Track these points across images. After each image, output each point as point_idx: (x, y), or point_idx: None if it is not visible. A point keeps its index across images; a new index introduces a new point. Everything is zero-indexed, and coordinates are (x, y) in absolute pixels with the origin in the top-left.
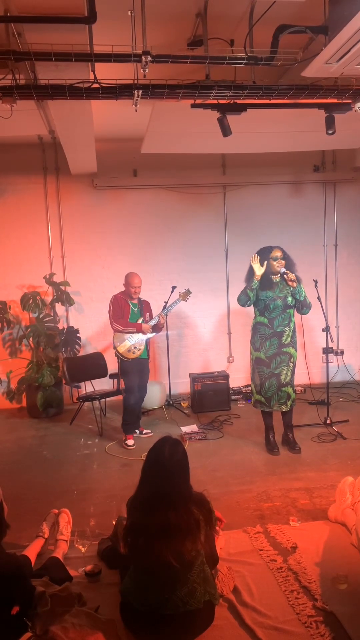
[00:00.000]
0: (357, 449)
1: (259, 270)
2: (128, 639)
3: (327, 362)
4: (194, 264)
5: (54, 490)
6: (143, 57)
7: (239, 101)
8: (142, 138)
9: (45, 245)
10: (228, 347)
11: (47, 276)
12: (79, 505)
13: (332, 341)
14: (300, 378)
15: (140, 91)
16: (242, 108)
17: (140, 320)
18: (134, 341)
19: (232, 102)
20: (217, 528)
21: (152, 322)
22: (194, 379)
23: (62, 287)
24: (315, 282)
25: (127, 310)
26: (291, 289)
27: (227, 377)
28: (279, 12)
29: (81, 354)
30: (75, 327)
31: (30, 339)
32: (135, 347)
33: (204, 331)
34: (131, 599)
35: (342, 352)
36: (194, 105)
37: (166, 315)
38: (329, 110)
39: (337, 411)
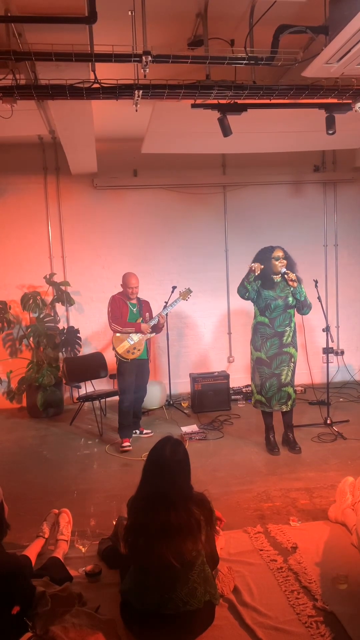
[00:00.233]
0: (357, 449)
1: (257, 270)
2: (128, 639)
3: (328, 362)
4: (194, 264)
5: (54, 490)
6: (143, 57)
7: (239, 101)
8: (142, 138)
9: (46, 245)
10: (228, 347)
11: (48, 276)
12: (79, 505)
13: (332, 341)
14: (302, 378)
15: (141, 91)
16: (242, 108)
17: (139, 320)
18: (133, 342)
19: (232, 102)
20: (218, 528)
21: (152, 322)
22: (194, 379)
23: (63, 287)
24: (316, 282)
25: (125, 310)
26: (292, 289)
27: (227, 377)
28: (279, 12)
29: (81, 354)
30: (76, 327)
31: (31, 339)
32: (134, 348)
33: (204, 331)
34: (131, 599)
35: (342, 352)
36: (194, 106)
37: (166, 315)
38: (329, 110)
39: (337, 411)
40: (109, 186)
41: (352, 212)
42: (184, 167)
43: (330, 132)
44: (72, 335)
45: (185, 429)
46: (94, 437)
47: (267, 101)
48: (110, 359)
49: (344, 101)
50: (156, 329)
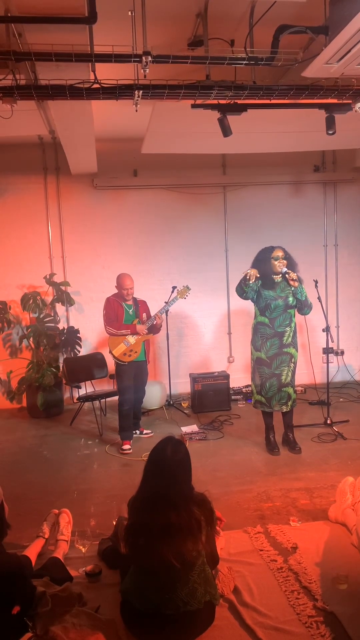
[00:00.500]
0: (358, 449)
1: (251, 273)
2: (128, 639)
3: (328, 362)
4: (194, 264)
5: (55, 490)
6: (143, 58)
7: (239, 101)
8: (142, 138)
9: (46, 245)
10: (228, 347)
11: (48, 276)
12: (79, 505)
13: (333, 341)
14: (302, 378)
15: (141, 91)
16: (242, 108)
17: (136, 322)
18: (129, 344)
19: (232, 102)
20: (218, 528)
21: (149, 323)
22: (194, 379)
23: (63, 287)
24: (316, 282)
25: (120, 313)
26: (292, 288)
27: (227, 377)
28: (279, 12)
29: (81, 354)
30: (76, 327)
31: (31, 339)
32: (131, 350)
33: (204, 331)
34: (131, 599)
35: (342, 352)
36: (194, 106)
37: (165, 314)
38: (329, 111)
39: (337, 411)
40: (109, 186)
41: (352, 212)
42: (184, 167)
43: (330, 132)
44: (72, 335)
45: (185, 429)
46: (94, 437)
47: (267, 101)
48: (110, 359)
49: (344, 101)
50: (153, 329)
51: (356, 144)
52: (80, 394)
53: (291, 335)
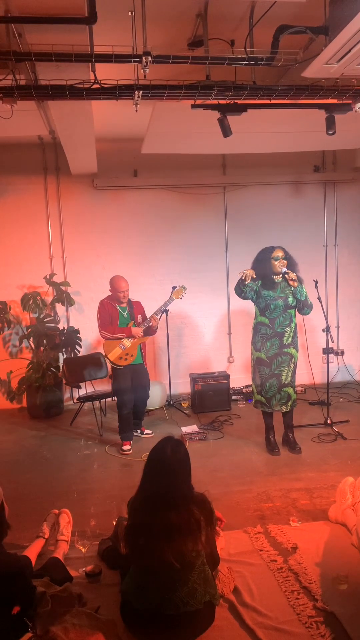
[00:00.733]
0: (358, 449)
1: (248, 273)
2: (128, 639)
3: (328, 362)
4: (195, 264)
5: (55, 490)
6: (143, 58)
7: (239, 101)
8: (142, 138)
9: (46, 245)
10: (228, 347)
11: (48, 276)
12: (79, 505)
13: (333, 341)
14: (302, 378)
15: (141, 91)
16: (242, 108)
17: (131, 324)
18: (125, 347)
19: (232, 102)
20: (218, 528)
21: (144, 325)
22: (195, 379)
23: (63, 287)
24: (316, 282)
25: (115, 315)
26: (292, 288)
27: (227, 377)
28: (279, 12)
29: (81, 354)
30: (76, 328)
31: (31, 339)
32: (127, 354)
33: (204, 331)
34: (131, 599)
35: (342, 353)
36: (194, 106)
37: (165, 314)
38: (329, 111)
39: (337, 411)
40: (109, 186)
41: (352, 212)
42: (184, 167)
43: (331, 132)
44: (72, 335)
45: (185, 429)
46: (94, 437)
47: (267, 101)
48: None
49: (344, 101)
50: (149, 331)
51: (356, 144)
52: (80, 394)
53: (291, 335)
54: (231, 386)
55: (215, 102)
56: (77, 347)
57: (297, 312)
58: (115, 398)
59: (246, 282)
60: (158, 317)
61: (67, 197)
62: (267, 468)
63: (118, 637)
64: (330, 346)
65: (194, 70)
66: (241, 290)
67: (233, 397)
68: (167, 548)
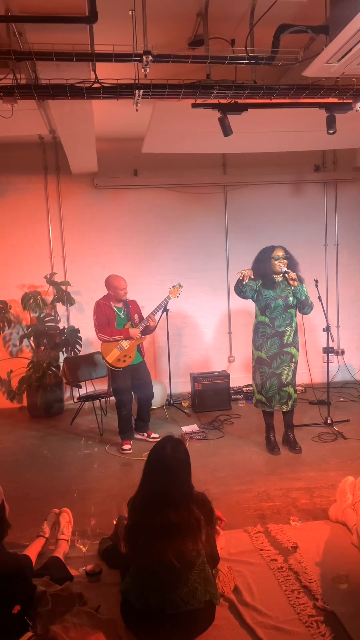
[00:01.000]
0: (358, 448)
1: (245, 273)
2: (129, 638)
3: (328, 362)
4: (195, 264)
5: (55, 489)
6: (144, 57)
7: (239, 101)
8: (142, 138)
9: (46, 244)
10: (229, 347)
11: (48, 276)
12: (79, 504)
13: (333, 341)
14: (302, 378)
15: (141, 91)
16: (243, 108)
17: (128, 325)
18: (123, 349)
19: (233, 101)
20: (218, 528)
21: (142, 325)
22: (195, 378)
23: (63, 287)
24: (316, 281)
25: (112, 316)
26: (292, 288)
27: (227, 376)
28: (279, 11)
29: (82, 353)
30: (76, 327)
31: (31, 338)
32: (125, 356)
33: (204, 331)
34: (132, 598)
35: (342, 352)
36: (194, 105)
37: (166, 313)
38: (329, 110)
39: (337, 411)
40: (109, 186)
41: (352, 212)
42: (185, 166)
43: (331, 131)
44: (72, 334)
45: (185, 428)
46: (95, 436)
47: (268, 101)
48: None
49: (345, 101)
50: (147, 331)
51: (357, 143)
52: (80, 394)
53: (292, 335)
54: (231, 385)
55: (215, 101)
56: (78, 346)
57: (297, 312)
58: (114, 398)
59: (244, 282)
60: (155, 316)
61: (67, 196)
62: (267, 467)
63: (118, 636)
64: (330, 345)
65: (194, 69)
66: (240, 289)
67: (233, 397)
68: (167, 547)
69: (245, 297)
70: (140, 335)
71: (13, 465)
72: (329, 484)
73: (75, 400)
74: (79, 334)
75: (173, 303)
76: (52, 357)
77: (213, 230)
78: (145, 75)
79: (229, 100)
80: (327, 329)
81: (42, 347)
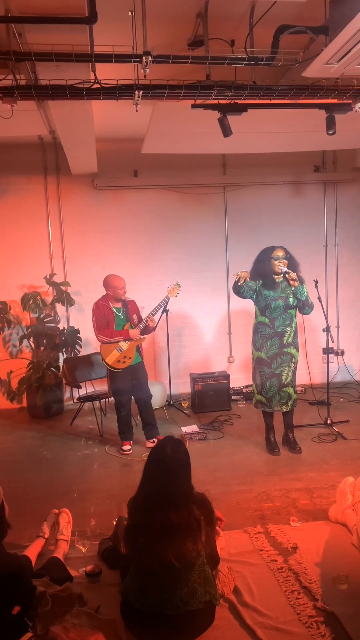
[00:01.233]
0: (358, 449)
1: (242, 274)
2: (128, 639)
3: (328, 362)
4: (195, 264)
5: (55, 490)
6: (144, 58)
7: (239, 101)
8: (142, 138)
9: (46, 245)
10: (228, 347)
11: (48, 276)
12: (79, 505)
13: (333, 341)
14: (302, 378)
15: (141, 91)
16: (242, 108)
17: (127, 325)
18: (122, 350)
19: (232, 102)
20: (218, 528)
21: (141, 326)
22: (195, 379)
23: (63, 287)
24: (316, 282)
25: (111, 317)
26: (293, 288)
27: (227, 377)
28: (279, 12)
29: (81, 354)
30: (76, 327)
31: (31, 339)
32: (125, 357)
33: (204, 331)
34: (132, 599)
35: (342, 352)
36: (194, 106)
37: (166, 313)
38: (329, 111)
39: (337, 411)
40: (109, 186)
41: (352, 212)
42: (184, 167)
43: (331, 132)
44: (72, 335)
45: (185, 429)
46: (94, 437)
47: (268, 101)
48: None
49: (344, 101)
50: (146, 331)
51: (356, 144)
52: (80, 394)
53: (292, 335)
54: (231, 386)
55: (215, 102)
56: (77, 347)
57: (297, 312)
58: (113, 399)
59: (239, 284)
60: (154, 316)
61: (67, 197)
62: (267, 468)
63: (118, 636)
64: (330, 346)
65: (194, 70)
66: (238, 290)
67: (233, 397)
68: (167, 548)
69: (244, 297)
70: (139, 335)
71: (13, 466)
72: (328, 484)
73: (75, 400)
74: (78, 335)
75: (173, 303)
76: (52, 357)
77: (213, 230)
78: (145, 76)
79: (229, 101)
80: (327, 330)
81: (42, 348)
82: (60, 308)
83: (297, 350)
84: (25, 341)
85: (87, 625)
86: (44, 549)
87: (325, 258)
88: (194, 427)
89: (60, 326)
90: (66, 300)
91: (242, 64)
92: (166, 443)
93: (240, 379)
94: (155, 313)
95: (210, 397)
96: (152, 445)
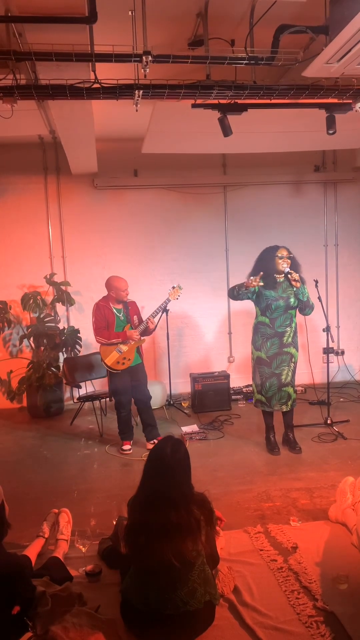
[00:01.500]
0: (358, 449)
1: (251, 283)
2: (128, 639)
3: (328, 362)
4: (195, 264)
5: (55, 490)
6: (144, 57)
7: (239, 101)
8: (142, 138)
9: (46, 245)
10: (228, 347)
11: (48, 276)
12: (79, 505)
13: (333, 341)
14: (302, 378)
15: (141, 91)
16: (242, 108)
17: (128, 327)
18: (122, 352)
19: (232, 102)
20: (218, 528)
21: (141, 327)
22: (195, 378)
23: (63, 287)
24: (316, 282)
25: (111, 319)
26: (294, 289)
27: (227, 377)
28: (279, 12)
29: (82, 354)
30: (76, 327)
31: (31, 338)
32: (124, 358)
33: (204, 331)
34: (131, 598)
35: (342, 352)
36: (194, 105)
37: (166, 313)
38: (329, 110)
39: (337, 411)
40: (109, 186)
41: (352, 212)
42: (185, 167)
43: (331, 132)
44: (72, 335)
45: (185, 428)
46: (94, 437)
47: (268, 101)
48: None
49: (345, 101)
50: (146, 332)
51: (356, 143)
52: (80, 394)
53: (291, 335)
54: (231, 386)
55: (215, 101)
56: (77, 346)
57: (297, 312)
58: (113, 399)
59: (247, 288)
60: (155, 318)
61: (67, 196)
62: (267, 468)
63: (118, 636)
64: (330, 346)
65: (194, 69)
66: (238, 294)
67: (233, 397)
68: (167, 548)
69: (239, 300)
70: (139, 337)
71: (13, 466)
72: (329, 484)
73: (75, 400)
74: (78, 335)
75: (173, 304)
76: (52, 357)
77: (213, 230)
78: (145, 76)
79: (229, 101)
80: (327, 330)
81: (42, 348)
82: (60, 308)
83: (297, 350)
84: (25, 341)
85: (87, 625)
86: (43, 548)
87: (325, 258)
88: (194, 427)
89: (61, 326)
90: (66, 300)
91: (242, 63)
92: (166, 443)
93: (240, 378)
94: (155, 315)
95: (210, 397)
96: (152, 445)
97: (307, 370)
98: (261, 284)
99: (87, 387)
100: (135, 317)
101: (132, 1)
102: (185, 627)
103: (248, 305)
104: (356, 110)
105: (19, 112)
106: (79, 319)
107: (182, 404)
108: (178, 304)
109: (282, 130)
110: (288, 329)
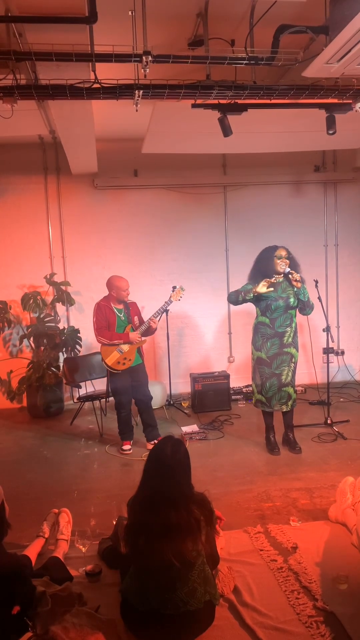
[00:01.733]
0: (358, 449)
1: (261, 288)
2: (128, 639)
3: (328, 362)
4: (195, 264)
5: (55, 490)
6: (144, 57)
7: (239, 101)
8: (142, 138)
9: (46, 245)
10: (228, 347)
11: (48, 276)
12: (79, 505)
13: (333, 341)
14: (302, 378)
15: (141, 91)
16: (242, 108)
17: (129, 328)
18: (122, 352)
19: (232, 102)
20: (218, 528)
21: (142, 328)
22: (195, 378)
23: (63, 287)
24: (316, 282)
25: (112, 319)
26: (295, 289)
27: (227, 377)
28: (279, 12)
29: (82, 353)
30: (76, 327)
31: (31, 338)
32: (125, 358)
33: (204, 331)
34: (131, 599)
35: (342, 352)
36: (194, 105)
37: (166, 314)
38: (329, 111)
39: (337, 411)
40: (109, 186)
41: (352, 212)
42: (185, 167)
43: (331, 132)
44: (72, 335)
45: (185, 428)
46: (94, 437)
47: (268, 101)
48: None
49: (345, 101)
50: (147, 333)
51: (356, 143)
52: (80, 394)
53: (292, 335)
54: (231, 386)
55: (215, 101)
56: (77, 346)
57: (297, 312)
58: (113, 399)
59: (251, 294)
60: (157, 318)
61: (67, 196)
62: (267, 468)
63: (118, 636)
64: (330, 346)
65: (194, 69)
66: (243, 300)
67: (233, 397)
68: (167, 547)
69: (239, 304)
70: (140, 338)
71: (13, 466)
72: (328, 484)
73: (75, 400)
74: (78, 335)
75: (173, 304)
76: (52, 357)
77: (213, 230)
78: (145, 76)
79: (229, 101)
80: (327, 330)
81: (42, 348)
82: (60, 308)
83: (297, 350)
84: (25, 341)
85: (87, 625)
86: (43, 548)
87: (325, 258)
88: (194, 427)
89: (61, 326)
90: (66, 300)
91: (242, 63)
92: (166, 443)
93: (240, 378)
94: (157, 315)
95: (210, 397)
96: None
97: (308, 370)
98: (271, 289)
99: (87, 387)
100: (136, 318)
101: (132, 1)
102: (185, 627)
103: (248, 305)
104: (356, 111)
105: (19, 112)
106: (79, 319)
107: (182, 404)
108: (178, 304)
109: (282, 130)
110: (288, 329)
